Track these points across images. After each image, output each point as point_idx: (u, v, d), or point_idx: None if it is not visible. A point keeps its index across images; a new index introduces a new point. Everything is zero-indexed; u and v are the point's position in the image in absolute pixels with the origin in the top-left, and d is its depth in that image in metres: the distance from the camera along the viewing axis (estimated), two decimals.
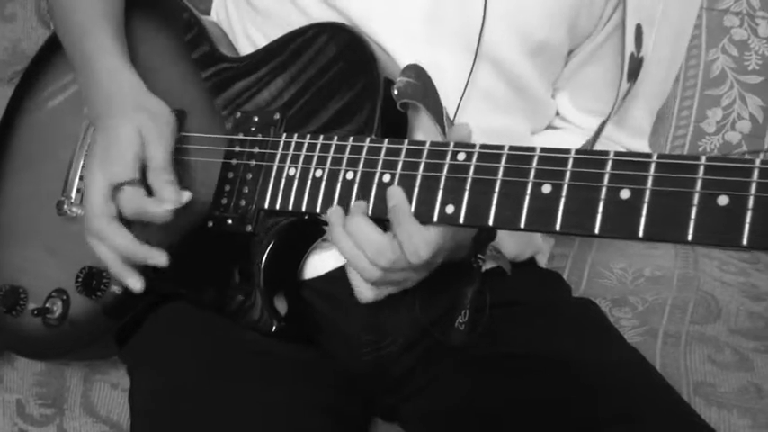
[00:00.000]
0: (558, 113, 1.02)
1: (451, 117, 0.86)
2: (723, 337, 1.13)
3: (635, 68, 0.91)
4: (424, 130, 0.86)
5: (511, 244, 0.98)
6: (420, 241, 0.73)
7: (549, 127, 1.03)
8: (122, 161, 0.87)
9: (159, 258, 0.87)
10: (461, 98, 0.87)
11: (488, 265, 0.92)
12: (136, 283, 0.89)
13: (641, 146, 1.05)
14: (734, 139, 1.38)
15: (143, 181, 0.89)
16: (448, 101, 0.85)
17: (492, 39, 0.87)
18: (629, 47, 0.89)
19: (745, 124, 1.37)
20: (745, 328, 1.15)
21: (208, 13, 1.09)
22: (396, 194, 0.75)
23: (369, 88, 0.83)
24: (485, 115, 0.90)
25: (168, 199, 0.86)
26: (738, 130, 1.37)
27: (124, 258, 0.88)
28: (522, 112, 0.94)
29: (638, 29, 0.89)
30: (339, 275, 0.92)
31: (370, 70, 0.83)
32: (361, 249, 0.76)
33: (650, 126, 1.06)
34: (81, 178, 1.02)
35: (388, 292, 0.81)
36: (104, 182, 0.87)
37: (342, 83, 0.85)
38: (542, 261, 1.10)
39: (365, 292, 0.80)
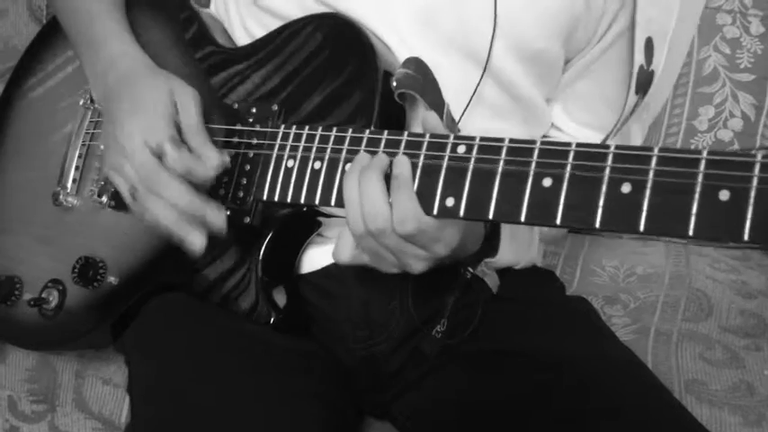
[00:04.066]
0: (552, 124, 1.01)
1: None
2: (714, 334, 1.13)
3: (645, 81, 0.90)
4: (420, 122, 0.86)
5: (508, 254, 0.98)
6: (410, 212, 0.71)
7: (545, 137, 1.02)
8: (157, 116, 0.83)
9: (219, 217, 0.81)
10: (466, 108, 0.87)
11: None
12: (199, 239, 0.81)
13: None
14: (726, 136, 1.38)
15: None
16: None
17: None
18: (639, 59, 0.88)
19: (737, 122, 1.37)
20: (736, 325, 1.15)
21: (208, 6, 1.08)
22: (402, 163, 0.73)
23: (367, 80, 0.82)
24: (481, 119, 0.90)
25: (213, 158, 0.82)
26: (730, 128, 1.37)
27: (182, 214, 0.82)
28: (518, 117, 0.94)
29: (649, 42, 0.88)
30: (335, 271, 0.92)
31: (368, 62, 0.83)
32: (361, 202, 0.72)
33: (641, 140, 1.04)
34: (77, 168, 1.02)
35: (363, 261, 0.77)
36: (143, 138, 0.82)
37: (340, 74, 0.84)
38: (536, 259, 1.09)
39: (344, 251, 0.77)
